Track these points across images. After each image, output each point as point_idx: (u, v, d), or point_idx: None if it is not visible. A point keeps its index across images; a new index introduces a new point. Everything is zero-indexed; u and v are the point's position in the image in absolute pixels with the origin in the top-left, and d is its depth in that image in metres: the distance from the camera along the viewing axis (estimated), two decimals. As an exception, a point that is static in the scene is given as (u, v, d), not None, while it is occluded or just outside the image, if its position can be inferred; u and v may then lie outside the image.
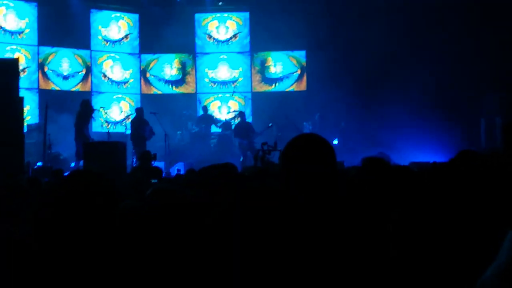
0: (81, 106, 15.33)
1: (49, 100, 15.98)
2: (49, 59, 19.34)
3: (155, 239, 3.12)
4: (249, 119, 18.77)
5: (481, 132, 16.63)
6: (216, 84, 20.60)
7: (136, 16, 20.76)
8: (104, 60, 20.22)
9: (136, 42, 20.77)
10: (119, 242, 2.77)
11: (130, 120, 17.71)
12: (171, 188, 3.63)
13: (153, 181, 8.26)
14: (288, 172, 2.51)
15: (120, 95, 20.37)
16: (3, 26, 18.67)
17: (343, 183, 3.14)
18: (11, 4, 18.83)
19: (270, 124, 17.24)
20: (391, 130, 17.14)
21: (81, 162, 14.05)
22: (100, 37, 20.24)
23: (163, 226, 3.27)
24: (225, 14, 20.78)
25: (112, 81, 20.28)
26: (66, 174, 9.34)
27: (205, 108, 19.10)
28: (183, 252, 3.08)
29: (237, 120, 19.07)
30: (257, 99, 20.03)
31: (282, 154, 2.57)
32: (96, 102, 19.45)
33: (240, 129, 17.18)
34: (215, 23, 20.77)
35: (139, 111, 16.71)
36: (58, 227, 2.68)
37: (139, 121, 16.24)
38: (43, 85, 19.14)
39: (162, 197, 3.46)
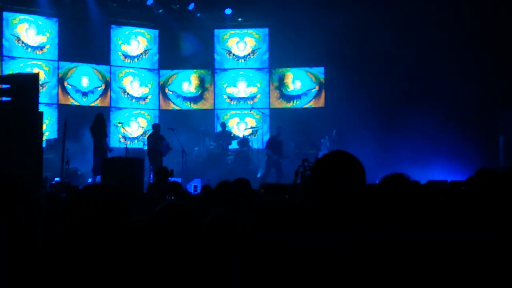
0: (95, 120, 15.37)
1: (68, 115, 16.06)
2: (69, 74, 19.48)
3: (158, 254, 3.14)
4: (266, 135, 18.76)
5: (499, 150, 16.49)
6: (234, 100, 20.61)
7: (155, 32, 20.88)
8: (124, 76, 20.33)
9: (156, 58, 20.88)
10: (124, 255, 2.80)
11: (147, 136, 17.77)
12: (180, 204, 3.60)
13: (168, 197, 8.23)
14: (314, 187, 2.53)
15: (138, 111, 20.45)
16: (24, 41, 18.85)
17: (368, 201, 3.11)
18: (32, 19, 19.01)
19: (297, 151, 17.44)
20: (408, 148, 17.07)
21: (98, 178, 14.08)
22: (119, 53, 20.37)
23: (168, 242, 3.26)
24: (244, 30, 20.83)
25: (131, 97, 20.37)
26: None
27: (223, 124, 19.09)
28: (187, 267, 3.11)
29: (254, 136, 19.04)
30: (275, 115, 20.02)
31: (312, 170, 2.60)
32: (115, 117, 19.56)
33: (273, 143, 17.17)
34: (235, 39, 20.83)
35: (155, 127, 16.75)
36: (67, 236, 2.73)
37: (155, 137, 16.27)
38: (63, 100, 19.27)
39: (170, 214, 3.43)
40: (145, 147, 17.02)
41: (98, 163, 14.28)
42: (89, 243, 2.72)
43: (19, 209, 3.75)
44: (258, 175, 17.15)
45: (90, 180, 15.29)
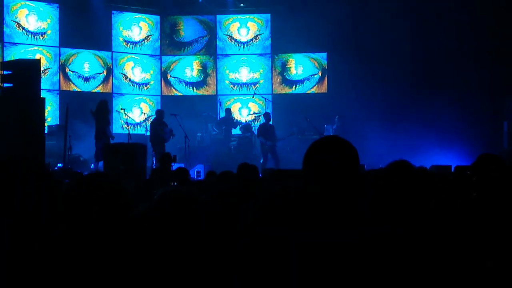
0: (98, 106, 15.31)
1: (70, 102, 16.01)
2: (70, 60, 19.41)
3: (159, 242, 3.10)
4: (269, 121, 18.70)
5: (503, 135, 16.43)
6: (236, 86, 20.55)
7: (157, 18, 20.78)
8: (125, 62, 20.26)
9: (157, 44, 20.79)
10: (126, 244, 2.79)
11: (150, 122, 17.74)
12: (181, 191, 3.56)
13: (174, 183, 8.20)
14: (307, 169, 2.52)
15: (140, 97, 20.40)
16: (25, 27, 18.76)
17: (367, 184, 3.12)
18: (33, 5, 18.92)
19: (293, 131, 17.36)
20: (411, 133, 17.04)
21: (100, 164, 14.06)
22: (121, 39, 20.29)
23: (168, 230, 3.20)
24: (246, 16, 20.73)
25: (133, 83, 20.31)
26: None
27: (228, 110, 18.99)
28: (186, 256, 3.07)
29: (257, 122, 19.00)
30: (278, 101, 19.95)
31: (305, 154, 2.58)
32: (117, 103, 19.50)
33: (263, 130, 17.19)
34: (237, 24, 20.73)
35: (159, 113, 16.70)
36: (69, 225, 2.72)
37: (158, 123, 16.23)
38: (64, 87, 19.22)
39: (170, 200, 3.35)
40: (148, 133, 16.99)
41: (100, 149, 14.27)
42: (93, 232, 2.71)
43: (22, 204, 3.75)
44: (261, 161, 17.13)
45: (92, 166, 15.26)
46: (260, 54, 20.65)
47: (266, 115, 17.77)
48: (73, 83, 19.39)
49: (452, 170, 9.93)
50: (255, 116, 19.81)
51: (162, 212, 3.26)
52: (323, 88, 20.19)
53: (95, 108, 15.26)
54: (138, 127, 19.73)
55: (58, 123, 17.63)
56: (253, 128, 18.50)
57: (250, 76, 20.56)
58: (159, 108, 18.82)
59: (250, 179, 5.03)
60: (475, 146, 15.57)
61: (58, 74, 19.16)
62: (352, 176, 2.47)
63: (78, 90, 19.36)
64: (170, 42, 20.75)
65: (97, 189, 2.76)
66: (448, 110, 17.09)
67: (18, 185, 4.01)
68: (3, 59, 17.59)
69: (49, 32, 19.10)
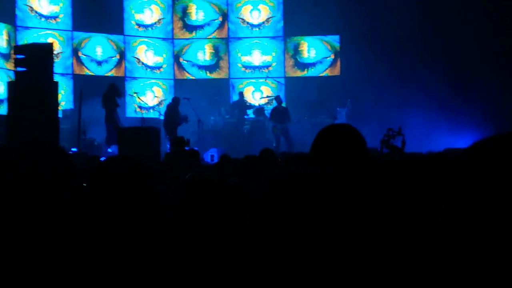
0: (107, 90, 15.36)
1: (83, 85, 16.04)
2: (83, 44, 19.41)
3: (189, 225, 3.09)
4: (282, 104, 18.68)
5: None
6: (249, 69, 20.50)
7: (169, 1, 20.72)
8: (138, 45, 20.23)
9: (170, 27, 20.74)
10: (155, 225, 2.80)
11: (163, 105, 17.73)
12: (209, 175, 3.59)
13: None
14: (315, 152, 2.59)
15: (153, 80, 20.39)
16: (38, 11, 18.77)
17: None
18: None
19: (305, 117, 17.45)
20: (425, 116, 16.93)
21: (114, 148, 14.11)
22: (133, 22, 20.24)
23: (200, 212, 3.22)
24: (258, -2, 20.65)
25: (146, 66, 20.29)
26: (102, 159, 9.39)
27: (241, 94, 18.99)
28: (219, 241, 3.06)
29: (270, 105, 18.98)
30: (290, 84, 19.91)
31: (314, 139, 2.64)
32: (130, 87, 19.51)
33: (276, 113, 17.20)
34: (249, 7, 20.62)
35: (175, 100, 16.69)
36: (92, 207, 2.75)
37: (174, 109, 16.24)
38: (77, 70, 19.24)
39: (200, 184, 3.42)
40: (161, 117, 16.99)
41: (111, 133, 14.32)
42: (118, 214, 2.73)
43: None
44: (274, 145, 17.12)
45: (110, 150, 15.30)
46: (272, 37, 20.57)
47: (277, 98, 17.78)
48: (86, 67, 19.40)
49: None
50: (268, 100, 19.76)
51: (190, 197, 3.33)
52: (336, 71, 20.10)
53: (105, 91, 15.33)
54: (151, 111, 19.74)
55: (72, 107, 17.69)
56: (266, 111, 18.47)
57: (263, 59, 20.49)
58: (172, 92, 18.84)
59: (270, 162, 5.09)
60: (490, 130, 15.44)
61: (71, 58, 19.18)
62: (361, 159, 2.53)
63: (91, 74, 19.38)
64: (182, 25, 20.71)
65: (126, 171, 2.77)
66: (463, 93, 16.98)
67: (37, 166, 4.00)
68: (16, 43, 17.64)
69: (61, 15, 19.10)
